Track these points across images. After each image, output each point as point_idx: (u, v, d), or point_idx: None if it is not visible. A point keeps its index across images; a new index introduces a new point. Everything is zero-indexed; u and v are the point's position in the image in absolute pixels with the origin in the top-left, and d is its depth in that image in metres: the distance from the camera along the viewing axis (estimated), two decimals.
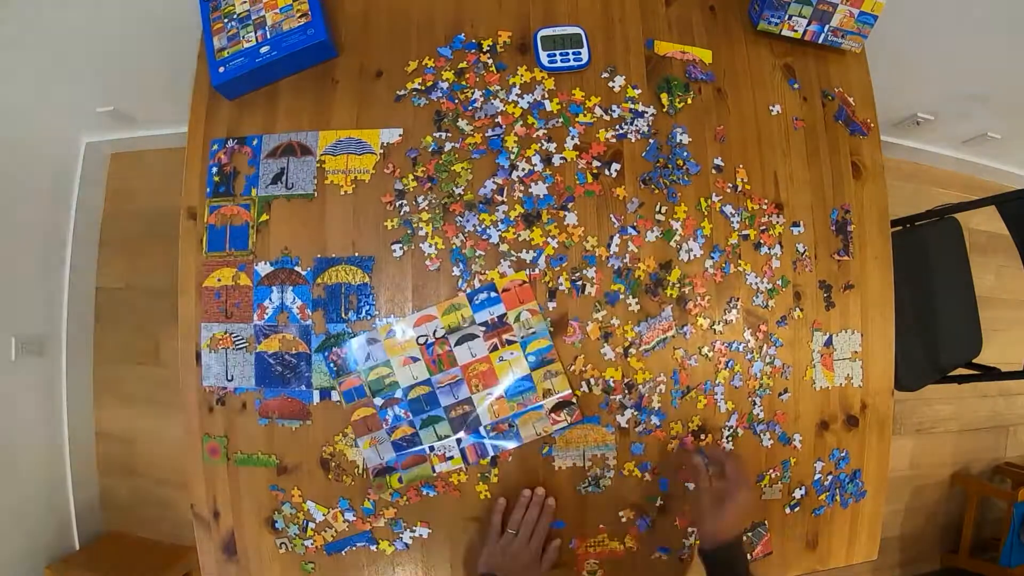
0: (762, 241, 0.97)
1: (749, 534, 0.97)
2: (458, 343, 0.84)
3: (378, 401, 0.83)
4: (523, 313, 0.84)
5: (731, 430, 0.95)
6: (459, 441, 0.86)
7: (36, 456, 1.83)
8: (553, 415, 0.86)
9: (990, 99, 1.71)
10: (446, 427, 0.85)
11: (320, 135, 0.94)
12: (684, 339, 0.93)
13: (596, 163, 0.93)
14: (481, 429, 0.86)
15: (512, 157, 0.92)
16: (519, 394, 0.86)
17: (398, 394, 0.84)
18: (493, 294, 0.84)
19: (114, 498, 2.02)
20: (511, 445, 0.86)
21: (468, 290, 0.84)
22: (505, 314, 0.84)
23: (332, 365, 0.82)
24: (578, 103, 0.94)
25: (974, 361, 1.52)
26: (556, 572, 0.92)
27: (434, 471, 0.87)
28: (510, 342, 0.84)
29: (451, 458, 0.87)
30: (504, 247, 0.90)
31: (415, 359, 0.83)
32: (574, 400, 0.87)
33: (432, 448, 0.86)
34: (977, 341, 1.49)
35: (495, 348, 0.85)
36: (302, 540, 0.92)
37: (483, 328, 0.84)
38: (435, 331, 0.83)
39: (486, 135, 0.92)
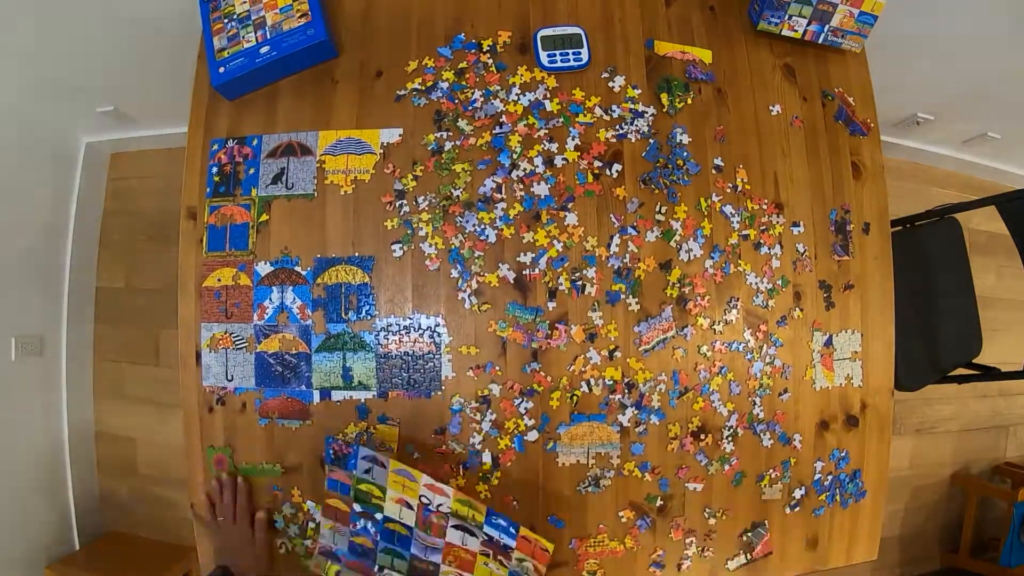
0: (762, 241, 0.97)
1: (749, 534, 0.97)
2: (456, 527, 0.83)
3: (356, 507, 0.83)
4: (528, 563, 0.85)
5: (731, 430, 0.95)
6: None
7: (36, 456, 1.83)
8: None
9: (990, 99, 1.71)
10: (404, 566, 0.85)
11: (320, 135, 0.94)
12: (684, 339, 0.93)
13: (597, 163, 0.93)
14: None
15: (515, 156, 0.92)
16: None
17: (378, 515, 0.83)
18: (512, 530, 0.84)
19: (114, 498, 2.02)
20: None
21: (488, 513, 0.83)
22: (513, 550, 0.84)
23: (331, 452, 0.82)
24: (578, 103, 0.94)
25: (974, 361, 1.52)
26: (557, 571, 0.92)
27: None
28: (502, 563, 0.85)
29: None
30: (502, 248, 0.90)
31: (409, 507, 0.82)
32: None
33: (381, 571, 0.85)
34: (977, 341, 1.49)
35: (487, 554, 0.84)
36: (302, 540, 0.92)
37: (486, 537, 0.84)
38: (440, 505, 0.82)
39: (493, 132, 0.92)
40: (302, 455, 0.91)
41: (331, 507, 0.85)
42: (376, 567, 0.85)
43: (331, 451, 0.82)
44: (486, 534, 0.84)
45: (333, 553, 0.87)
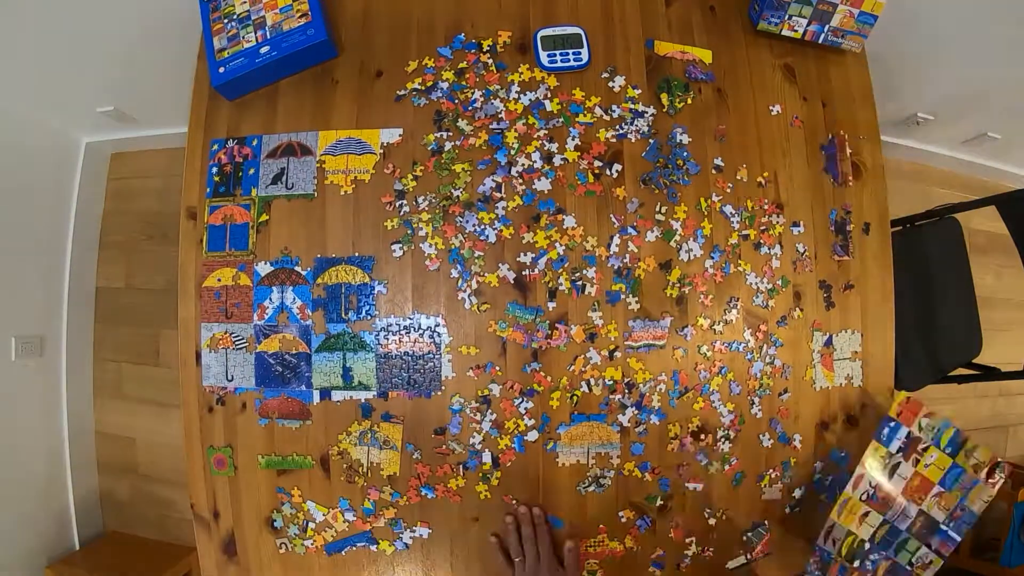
0: (762, 241, 0.97)
1: (749, 534, 0.97)
2: (890, 476, 0.94)
3: (857, 563, 0.94)
4: (922, 421, 0.95)
5: (729, 431, 0.95)
6: (930, 546, 0.95)
7: (36, 456, 1.83)
8: (990, 480, 0.95)
9: (990, 99, 1.71)
10: (914, 543, 0.95)
11: (320, 135, 0.94)
12: (684, 339, 0.93)
13: (597, 163, 0.93)
14: (941, 526, 0.94)
15: (512, 153, 0.92)
16: (956, 481, 0.94)
17: (867, 546, 0.94)
18: (892, 423, 0.94)
19: (114, 498, 2.02)
20: (967, 526, 0.95)
21: (877, 434, 0.95)
22: (909, 432, 0.94)
23: (817, 573, 0.95)
24: (578, 103, 0.94)
25: (974, 361, 1.52)
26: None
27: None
28: (924, 449, 0.94)
29: (930, 562, 0.95)
30: (502, 248, 0.90)
31: (866, 513, 0.94)
32: (999, 459, 0.96)
33: (911, 564, 0.95)
34: (977, 341, 1.49)
35: (916, 461, 0.94)
36: (302, 540, 0.92)
37: (900, 453, 0.94)
38: (870, 482, 0.94)
39: (490, 128, 0.92)
40: (302, 455, 0.91)
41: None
42: (907, 568, 0.95)
43: (814, 569, 0.94)
44: (898, 449, 0.94)
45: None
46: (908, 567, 0.94)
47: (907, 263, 1.39)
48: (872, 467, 0.94)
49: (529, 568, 0.84)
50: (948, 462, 0.94)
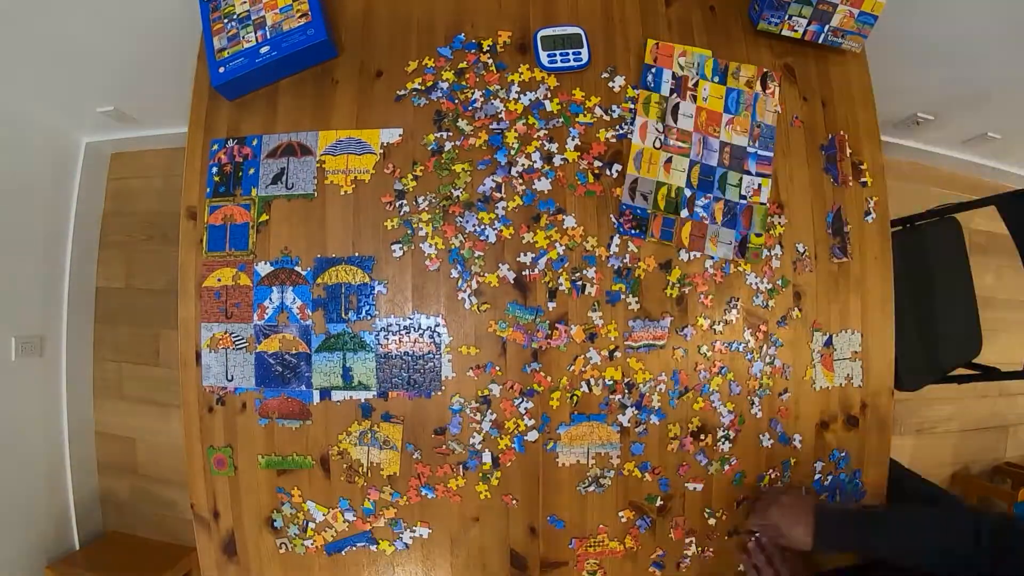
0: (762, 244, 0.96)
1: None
2: (675, 119, 0.94)
3: (684, 213, 0.92)
4: (679, 60, 0.96)
5: (729, 431, 0.95)
6: (748, 172, 0.95)
7: (36, 456, 1.83)
8: (767, 90, 0.97)
9: (990, 99, 1.71)
10: (734, 174, 0.95)
11: (320, 135, 0.94)
12: (684, 339, 0.93)
13: (597, 163, 0.93)
14: (748, 148, 0.95)
15: (512, 153, 0.92)
16: (738, 103, 0.96)
17: (688, 193, 0.93)
18: (654, 69, 0.95)
19: (114, 498, 2.02)
20: (771, 140, 0.96)
21: (643, 83, 0.95)
22: (673, 72, 0.96)
23: (626, 227, 0.90)
24: (578, 103, 0.94)
25: (974, 361, 1.52)
26: (557, 571, 0.92)
27: None
28: (695, 84, 0.95)
29: (759, 185, 0.96)
30: (502, 248, 0.90)
31: (668, 159, 0.93)
32: (765, 69, 0.97)
33: (743, 197, 0.95)
34: (977, 341, 1.49)
35: (694, 98, 0.95)
36: (302, 540, 0.92)
37: (675, 95, 0.94)
38: (656, 128, 0.93)
39: (490, 128, 0.92)
40: (302, 455, 0.91)
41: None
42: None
43: (622, 224, 0.91)
44: (670, 90, 0.94)
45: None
46: (742, 199, 0.94)
47: (907, 263, 1.39)
48: (652, 113, 0.93)
49: None
50: (722, 89, 0.95)
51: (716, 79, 0.95)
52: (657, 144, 0.92)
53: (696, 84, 0.95)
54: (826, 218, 0.99)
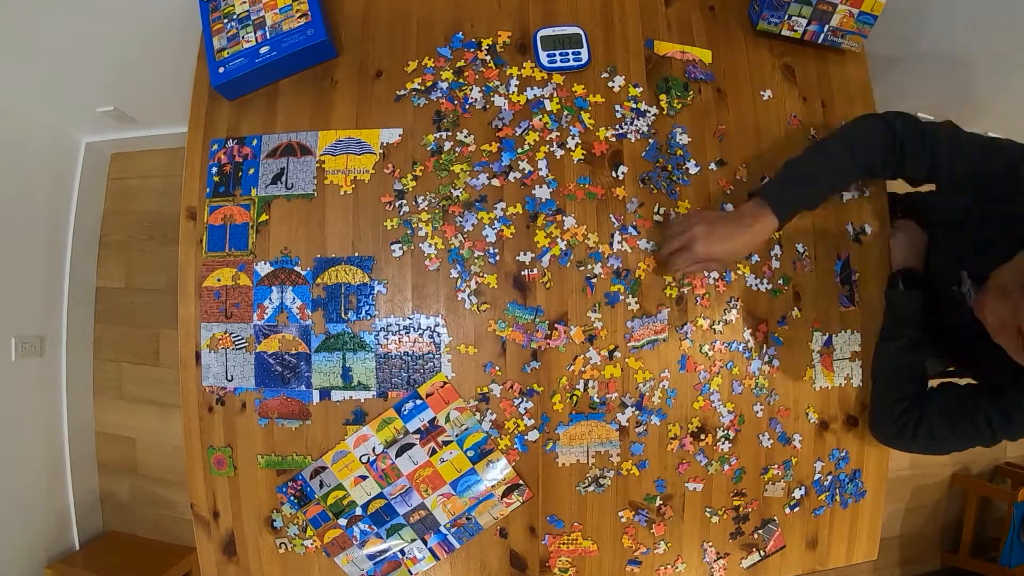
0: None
1: (760, 532, 0.97)
2: (398, 454, 0.88)
3: (342, 521, 0.90)
4: (451, 413, 0.88)
5: (729, 430, 0.95)
6: (425, 542, 0.91)
7: (36, 456, 1.83)
8: (505, 499, 0.90)
9: (990, 99, 1.71)
10: (410, 532, 0.90)
11: (320, 135, 0.94)
12: (684, 339, 0.93)
13: (599, 164, 0.93)
14: (442, 528, 0.90)
15: (521, 151, 0.92)
16: (468, 488, 0.90)
17: (358, 511, 0.90)
18: (419, 401, 0.88)
19: (114, 498, 2.02)
20: (468, 537, 0.91)
21: (395, 402, 0.88)
22: (435, 417, 0.88)
23: (293, 498, 0.89)
24: (583, 97, 0.94)
25: None
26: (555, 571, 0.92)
27: (411, 573, 0.92)
28: (446, 443, 0.88)
29: (423, 558, 0.91)
30: (502, 248, 0.90)
31: (363, 477, 0.89)
32: (521, 481, 0.90)
33: (403, 552, 0.91)
34: None
35: (434, 451, 0.88)
36: (301, 540, 0.92)
37: (418, 435, 0.88)
38: (374, 448, 0.88)
39: (490, 127, 0.92)
40: (302, 455, 0.91)
41: (331, 543, 0.90)
42: (399, 554, 0.89)
43: (292, 496, 0.88)
44: (414, 432, 0.88)
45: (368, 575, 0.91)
46: (399, 554, 0.89)
47: None
48: (382, 436, 0.86)
49: None
50: (467, 466, 0.88)
51: (470, 454, 0.88)
52: (364, 459, 0.88)
53: (447, 443, 0.88)
54: (834, 267, 0.99)
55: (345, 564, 0.90)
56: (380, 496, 0.89)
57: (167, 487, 1.98)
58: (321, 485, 0.89)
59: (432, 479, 0.89)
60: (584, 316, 0.91)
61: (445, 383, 0.88)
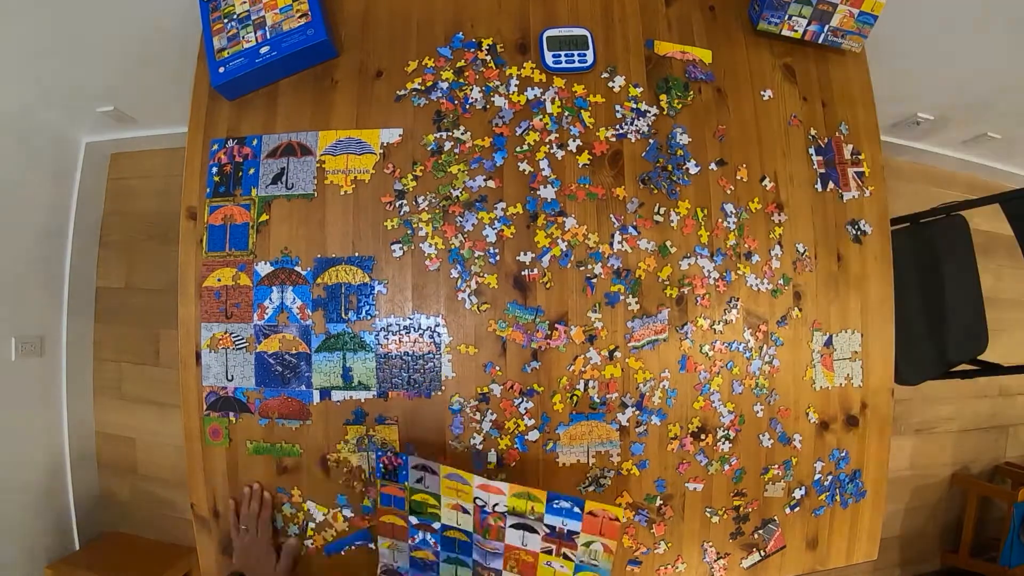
0: (753, 249, 0.96)
1: (760, 532, 0.97)
2: (515, 527, 0.79)
3: (413, 519, 0.83)
4: (596, 544, 0.78)
5: (729, 430, 0.95)
6: None
7: (36, 456, 1.83)
8: None
9: (990, 99, 1.71)
10: (468, 574, 0.83)
11: (320, 135, 0.94)
12: (684, 339, 0.93)
13: (598, 164, 0.93)
14: None
15: (520, 151, 0.92)
16: None
17: (436, 525, 0.83)
18: (576, 511, 0.76)
19: (114, 498, 2.02)
20: None
21: (549, 497, 0.76)
22: (578, 534, 0.77)
23: (382, 465, 0.82)
24: (583, 97, 0.94)
25: (976, 358, 1.52)
26: None
27: None
28: (567, 557, 0.79)
29: None
30: (502, 247, 0.90)
31: (466, 511, 0.80)
32: None
33: None
34: (983, 337, 1.49)
35: (548, 552, 0.79)
36: (302, 540, 0.92)
37: (548, 531, 0.78)
38: (495, 505, 0.78)
39: (491, 127, 0.92)
40: (302, 455, 0.91)
41: (386, 524, 0.85)
42: None
43: (381, 464, 0.81)
44: (547, 526, 0.78)
45: (396, 571, 0.87)
46: None
47: (917, 259, 1.39)
48: (512, 503, 0.76)
49: (248, 538, 0.89)
50: None
51: None
52: (479, 502, 0.78)
53: (567, 558, 0.78)
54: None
55: (384, 547, 0.86)
56: (466, 533, 0.81)
57: (167, 487, 1.98)
58: (419, 481, 0.81)
59: (525, 567, 0.80)
60: (584, 316, 0.91)
61: (616, 519, 0.76)
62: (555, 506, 0.76)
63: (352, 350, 0.90)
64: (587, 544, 0.77)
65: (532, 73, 0.95)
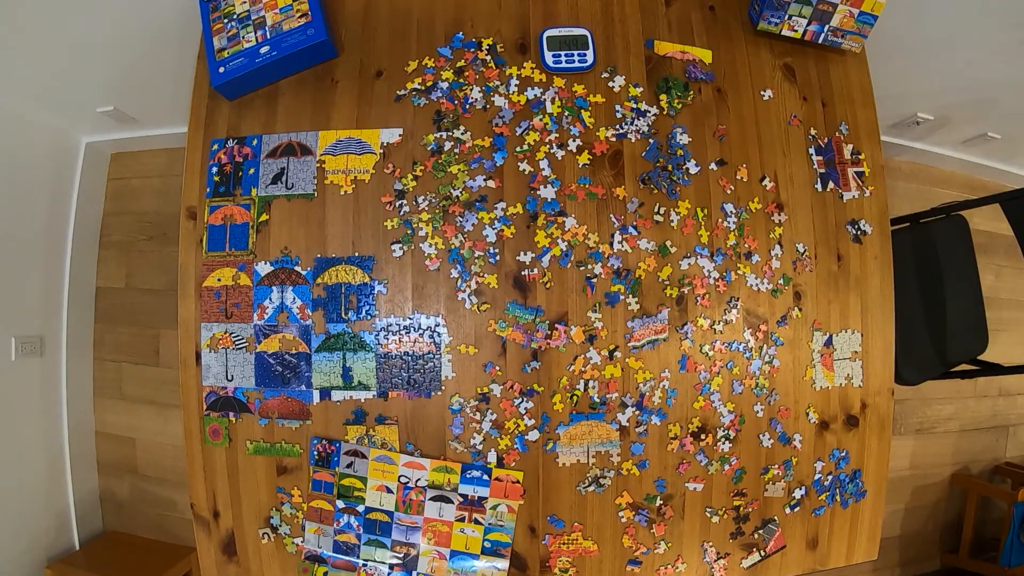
0: (753, 249, 0.96)
1: (760, 532, 0.97)
2: (433, 499, 0.89)
3: (340, 503, 0.90)
4: (501, 506, 0.90)
5: (729, 430, 0.95)
6: (390, 569, 0.91)
7: (36, 456, 1.83)
8: None
9: (989, 99, 1.71)
10: (386, 555, 0.91)
11: (320, 135, 0.94)
12: (684, 339, 0.93)
13: (599, 164, 0.93)
14: (414, 573, 0.91)
15: (520, 151, 0.92)
16: (460, 565, 0.91)
17: (359, 508, 0.90)
18: (485, 478, 0.89)
19: (114, 498, 2.02)
20: None
21: (465, 461, 0.89)
22: (487, 499, 0.89)
23: (315, 452, 0.89)
24: (583, 97, 0.94)
25: (977, 358, 1.52)
26: (555, 571, 0.92)
27: None
28: (477, 522, 0.90)
29: None
30: (502, 247, 0.90)
31: (389, 491, 0.89)
32: None
33: (365, 565, 0.91)
34: (983, 337, 1.49)
35: (462, 519, 0.90)
36: (292, 539, 0.92)
37: (461, 499, 0.89)
38: (418, 480, 0.89)
39: (491, 127, 0.92)
40: (302, 455, 0.91)
41: (315, 509, 0.89)
42: (361, 563, 0.89)
43: (315, 452, 0.86)
44: (461, 495, 0.89)
45: (319, 556, 0.90)
46: (360, 562, 0.90)
47: (917, 259, 1.39)
48: (433, 477, 0.88)
49: None
50: (476, 550, 0.90)
51: (485, 543, 0.89)
52: (402, 479, 0.88)
53: (476, 523, 0.89)
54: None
55: (311, 532, 0.91)
56: (387, 514, 0.90)
57: (167, 487, 1.97)
58: (349, 466, 0.89)
59: (441, 536, 0.90)
60: (584, 316, 0.91)
61: (517, 482, 0.89)
62: (468, 476, 0.89)
63: (352, 350, 0.90)
64: (494, 507, 0.90)
65: (532, 73, 0.95)
